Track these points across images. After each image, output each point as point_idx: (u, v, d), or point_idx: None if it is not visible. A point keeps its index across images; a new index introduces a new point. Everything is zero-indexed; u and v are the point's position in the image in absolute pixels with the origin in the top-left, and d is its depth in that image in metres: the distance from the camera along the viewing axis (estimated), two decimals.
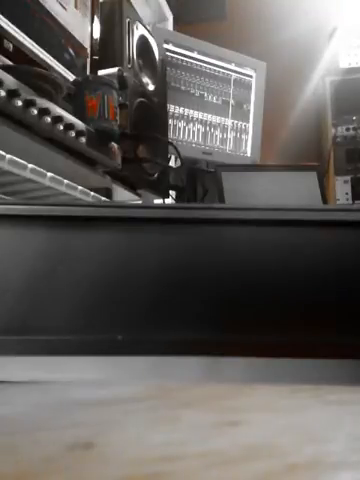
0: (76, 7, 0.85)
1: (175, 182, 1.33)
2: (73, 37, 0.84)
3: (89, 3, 0.90)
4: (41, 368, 0.26)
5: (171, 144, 1.15)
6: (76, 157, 0.73)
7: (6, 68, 0.58)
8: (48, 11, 0.75)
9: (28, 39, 0.69)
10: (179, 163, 1.33)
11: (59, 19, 0.79)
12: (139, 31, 1.08)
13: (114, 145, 0.84)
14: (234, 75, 1.50)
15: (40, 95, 0.62)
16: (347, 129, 2.08)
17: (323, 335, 0.27)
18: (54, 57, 0.77)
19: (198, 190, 1.42)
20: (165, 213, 0.31)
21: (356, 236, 0.30)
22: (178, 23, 2.17)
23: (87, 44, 0.90)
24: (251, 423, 0.19)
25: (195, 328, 0.27)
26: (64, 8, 0.80)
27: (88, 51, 0.90)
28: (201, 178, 1.44)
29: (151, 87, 1.13)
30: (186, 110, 1.41)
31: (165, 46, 1.35)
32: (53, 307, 0.28)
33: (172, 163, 1.40)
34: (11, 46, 0.65)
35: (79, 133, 0.71)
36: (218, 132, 1.48)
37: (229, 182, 1.21)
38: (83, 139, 0.72)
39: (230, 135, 1.50)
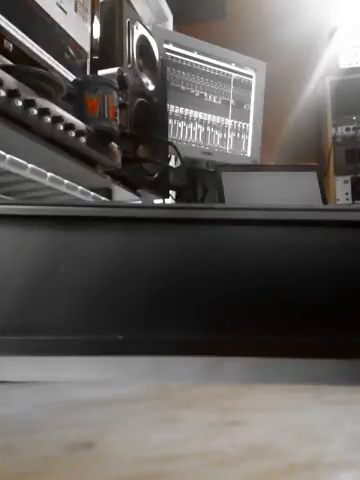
0: (76, 11, 0.85)
1: (175, 182, 1.33)
2: (73, 40, 0.84)
3: (89, 7, 0.90)
4: (41, 368, 0.26)
5: (171, 144, 1.15)
6: (76, 157, 0.73)
7: (6, 68, 0.58)
8: (48, 14, 0.75)
9: (28, 39, 0.69)
10: (179, 163, 1.33)
11: (59, 22, 0.79)
12: (139, 31, 1.08)
13: (114, 145, 0.84)
14: (234, 75, 1.50)
15: (40, 95, 0.62)
16: (347, 129, 2.08)
17: (323, 335, 0.27)
18: (54, 57, 0.77)
19: (198, 190, 1.42)
20: (165, 213, 0.31)
21: (356, 236, 0.30)
22: (178, 23, 2.17)
23: (87, 47, 0.90)
24: (251, 423, 0.19)
25: (195, 328, 0.27)
26: (64, 12, 0.80)
27: (88, 53, 0.90)
28: (201, 178, 1.44)
29: (151, 87, 1.13)
30: (186, 110, 1.41)
31: (165, 46, 1.35)
32: (53, 307, 0.28)
33: (172, 163, 1.40)
34: (11, 46, 0.65)
35: (79, 133, 0.71)
36: (218, 132, 1.48)
37: (229, 182, 1.21)
38: (83, 139, 0.72)
39: (230, 135, 1.50)
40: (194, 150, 1.42)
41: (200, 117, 1.44)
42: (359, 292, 0.28)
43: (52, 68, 0.76)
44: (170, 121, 1.35)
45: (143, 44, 1.11)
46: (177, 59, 1.38)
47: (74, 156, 0.72)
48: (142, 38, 1.10)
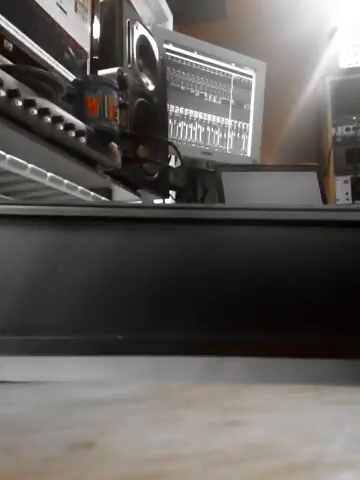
0: (76, 11, 0.85)
1: (175, 182, 1.33)
2: (73, 40, 0.84)
3: (89, 7, 0.90)
4: (41, 368, 0.26)
5: (171, 144, 1.15)
6: (76, 157, 0.73)
7: (6, 68, 0.58)
8: (48, 14, 0.75)
9: (28, 39, 0.69)
10: (179, 163, 1.33)
11: (59, 22, 0.79)
12: (139, 31, 1.08)
13: (114, 145, 0.84)
14: (234, 75, 1.50)
15: (40, 95, 0.62)
16: (347, 129, 2.08)
17: (323, 335, 0.27)
18: (54, 57, 0.77)
19: (198, 190, 1.42)
20: (165, 213, 0.31)
21: (356, 236, 0.30)
22: (178, 23, 2.17)
23: (87, 47, 0.90)
24: (251, 423, 0.19)
25: (195, 328, 0.27)
26: (64, 12, 0.80)
27: (88, 53, 0.90)
28: (201, 178, 1.44)
29: (151, 87, 1.13)
30: (186, 110, 1.41)
31: (165, 46, 1.35)
32: (53, 307, 0.28)
33: (172, 163, 1.40)
34: (11, 46, 0.65)
35: (79, 133, 0.71)
36: (218, 132, 1.48)
37: (229, 182, 1.21)
38: (83, 139, 0.72)
39: (230, 135, 1.50)
40: (194, 150, 1.42)
41: (200, 117, 1.44)
42: (359, 292, 0.28)
43: (52, 68, 0.76)
44: (170, 121, 1.35)
45: (143, 44, 1.11)
46: (177, 59, 1.38)
47: (74, 156, 0.73)
48: (142, 38, 1.10)
